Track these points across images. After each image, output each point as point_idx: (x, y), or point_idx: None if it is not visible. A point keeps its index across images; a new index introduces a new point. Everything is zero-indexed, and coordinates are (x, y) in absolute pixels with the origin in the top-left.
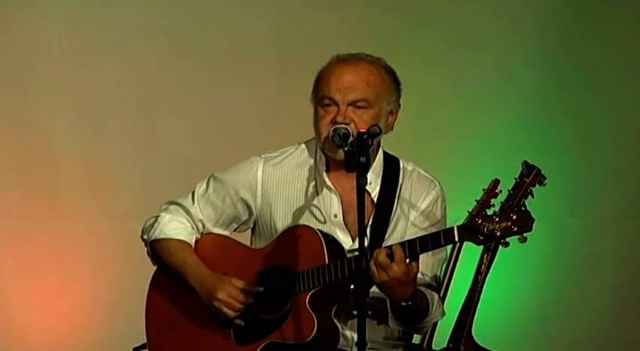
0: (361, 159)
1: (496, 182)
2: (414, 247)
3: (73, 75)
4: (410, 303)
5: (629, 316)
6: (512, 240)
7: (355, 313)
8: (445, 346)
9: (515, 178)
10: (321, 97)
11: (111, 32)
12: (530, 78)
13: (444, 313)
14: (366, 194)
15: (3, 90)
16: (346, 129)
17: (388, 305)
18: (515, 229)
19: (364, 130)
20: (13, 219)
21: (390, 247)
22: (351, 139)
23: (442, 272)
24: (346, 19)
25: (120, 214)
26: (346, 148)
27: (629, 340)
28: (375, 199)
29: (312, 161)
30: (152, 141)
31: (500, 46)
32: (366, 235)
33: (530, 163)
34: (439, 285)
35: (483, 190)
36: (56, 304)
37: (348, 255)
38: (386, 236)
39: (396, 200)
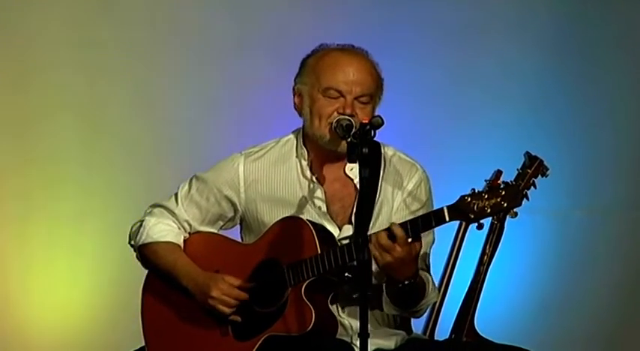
0: (364, 150)
1: (498, 173)
2: (416, 227)
3: (75, 70)
4: (412, 281)
5: (632, 307)
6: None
7: (352, 300)
8: (448, 336)
9: (517, 169)
10: (326, 88)
11: (112, 27)
12: (532, 69)
13: (438, 295)
14: (349, 181)
15: (4, 82)
16: (349, 120)
17: (385, 288)
18: (505, 204)
19: (367, 121)
20: (13, 214)
21: (389, 228)
22: (354, 130)
23: (429, 256)
24: (349, 12)
25: (122, 209)
26: (349, 140)
27: (631, 331)
28: (359, 186)
29: (293, 154)
30: (154, 133)
31: (503, 38)
32: (352, 223)
33: (533, 154)
34: (429, 267)
35: (486, 181)
36: (55, 300)
37: (339, 244)
38: (371, 222)
39: (379, 186)
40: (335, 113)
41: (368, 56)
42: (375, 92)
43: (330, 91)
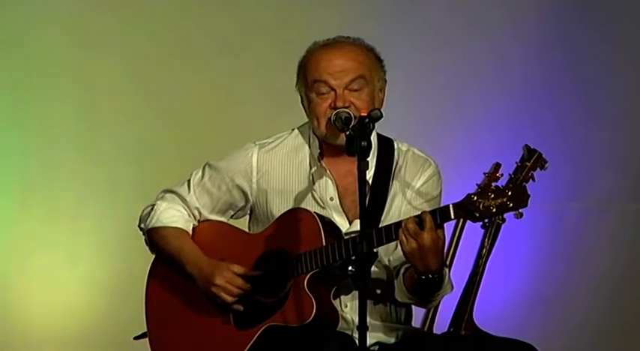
0: (362, 143)
1: (497, 166)
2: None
3: (74, 63)
4: (437, 277)
5: (629, 299)
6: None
7: (355, 294)
8: (446, 329)
9: (516, 162)
10: (314, 85)
11: (111, 20)
12: (533, 62)
13: (452, 287)
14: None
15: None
16: (348, 113)
17: (403, 276)
18: (511, 205)
19: (365, 114)
20: (11, 207)
21: (419, 215)
22: (352, 123)
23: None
24: (350, 3)
25: (122, 201)
26: (348, 132)
27: (628, 324)
28: (371, 181)
29: (306, 146)
30: (155, 126)
31: (503, 31)
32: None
33: (532, 147)
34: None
35: (484, 173)
36: (56, 292)
37: (345, 237)
38: (382, 217)
39: (391, 181)
40: (329, 109)
41: (356, 43)
42: (369, 75)
43: (319, 85)
